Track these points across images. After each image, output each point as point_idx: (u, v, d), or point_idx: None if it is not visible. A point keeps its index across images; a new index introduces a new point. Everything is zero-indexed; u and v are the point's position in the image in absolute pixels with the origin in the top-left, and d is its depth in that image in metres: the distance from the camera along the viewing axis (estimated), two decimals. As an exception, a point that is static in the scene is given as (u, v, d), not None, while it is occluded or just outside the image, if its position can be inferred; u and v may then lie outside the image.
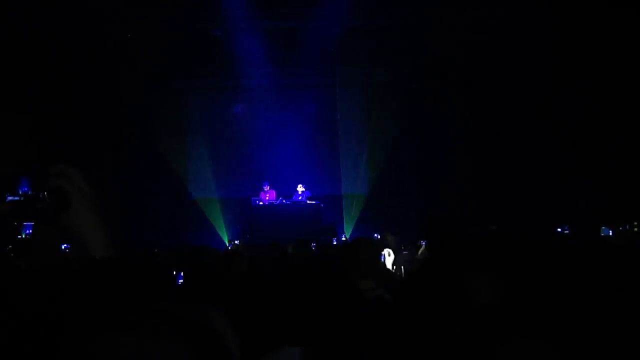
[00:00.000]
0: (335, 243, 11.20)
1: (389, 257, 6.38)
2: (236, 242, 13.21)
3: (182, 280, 3.73)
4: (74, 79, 12.74)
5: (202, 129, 15.32)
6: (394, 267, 6.81)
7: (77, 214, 1.32)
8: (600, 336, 1.59)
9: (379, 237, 9.78)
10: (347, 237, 13.82)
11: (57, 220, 1.32)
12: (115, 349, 0.76)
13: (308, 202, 13.67)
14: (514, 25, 12.50)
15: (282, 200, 13.80)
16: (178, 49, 13.44)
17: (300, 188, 13.81)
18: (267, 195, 13.87)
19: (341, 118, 15.40)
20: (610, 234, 6.85)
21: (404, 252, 8.28)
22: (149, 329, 0.79)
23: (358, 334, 1.79)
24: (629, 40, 11.44)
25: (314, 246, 7.10)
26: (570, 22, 11.94)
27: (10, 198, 1.20)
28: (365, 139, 15.38)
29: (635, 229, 8.37)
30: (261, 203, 13.74)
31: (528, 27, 12.37)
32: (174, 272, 3.87)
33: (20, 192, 1.21)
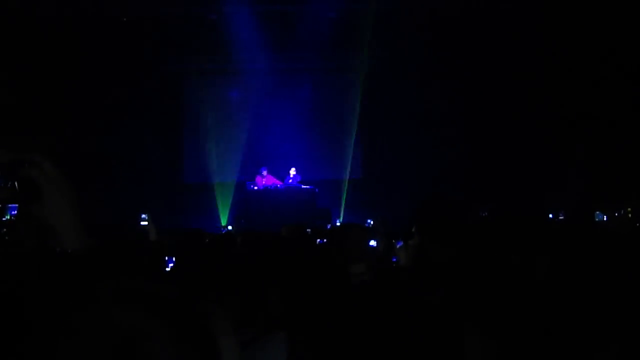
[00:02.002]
0: (329, 228, 11.18)
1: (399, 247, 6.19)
2: (229, 227, 13.19)
3: (172, 265, 3.71)
4: (67, 62, 12.67)
5: (198, 113, 15.27)
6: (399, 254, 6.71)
7: (50, 206, 1.28)
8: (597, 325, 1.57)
9: (372, 222, 9.75)
10: (342, 222, 13.82)
11: (28, 211, 1.30)
12: (102, 323, 0.74)
13: (303, 187, 13.67)
14: (511, 11, 12.48)
15: (276, 185, 13.79)
16: (174, 33, 13.37)
17: (292, 171, 13.83)
18: (264, 180, 13.84)
19: (337, 102, 15.35)
20: (605, 219, 6.86)
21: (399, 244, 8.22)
22: (136, 305, 0.77)
23: (346, 318, 1.77)
24: (626, 27, 11.41)
25: (308, 231, 7.07)
26: (569, 9, 11.94)
27: None
28: (360, 123, 15.36)
29: (630, 215, 8.39)
30: (256, 188, 13.72)
31: (527, 13, 12.35)
32: (166, 258, 3.84)
33: None
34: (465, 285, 1.77)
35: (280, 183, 13.84)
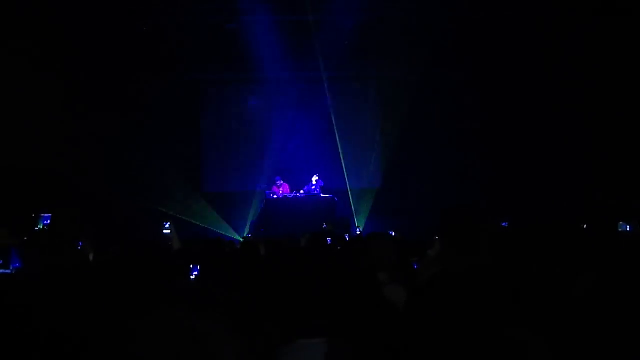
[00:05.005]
0: (347, 238, 11.18)
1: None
2: (249, 235, 13.22)
3: (196, 274, 3.73)
4: (88, 72, 12.79)
5: (216, 122, 15.35)
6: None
7: None
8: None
9: (393, 234, 9.69)
10: (362, 230, 13.79)
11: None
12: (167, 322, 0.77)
13: (322, 195, 13.67)
14: (532, 17, 12.42)
15: (296, 193, 13.82)
16: (193, 42, 13.48)
17: (314, 178, 13.85)
18: (281, 189, 13.91)
19: (356, 111, 15.35)
20: (628, 229, 6.77)
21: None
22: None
23: (374, 326, 1.78)
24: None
25: (329, 240, 7.05)
26: (590, 15, 11.86)
27: None
28: (379, 132, 15.34)
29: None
30: (275, 196, 13.77)
31: (547, 18, 12.28)
32: (190, 266, 3.87)
33: None
34: (487, 294, 1.76)
35: (289, 193, 13.89)
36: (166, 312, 0.80)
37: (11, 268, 4.08)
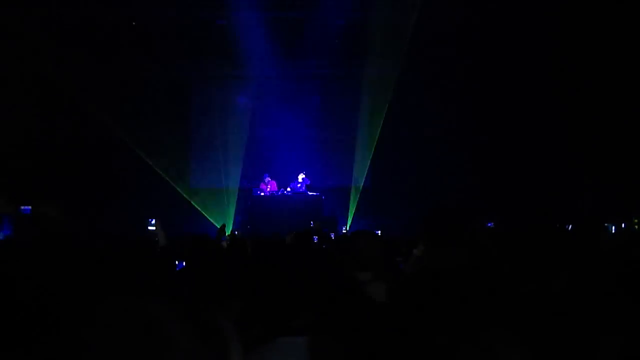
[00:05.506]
0: (332, 236, 11.18)
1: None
2: (236, 232, 13.20)
3: (179, 269, 3.72)
4: (77, 66, 12.72)
5: (206, 119, 15.29)
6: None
7: None
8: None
9: (379, 233, 9.70)
10: (348, 229, 13.81)
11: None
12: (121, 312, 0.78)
13: (309, 193, 13.66)
14: (517, 19, 12.46)
15: (283, 191, 13.81)
16: (183, 38, 13.43)
17: (301, 176, 13.84)
18: (268, 186, 13.89)
19: (344, 110, 15.34)
20: (613, 230, 6.83)
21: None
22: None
23: (355, 325, 1.78)
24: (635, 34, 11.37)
25: (315, 238, 7.04)
26: (576, 16, 11.90)
27: None
28: (367, 131, 15.34)
29: (636, 226, 8.34)
30: (262, 194, 13.75)
31: (533, 21, 12.32)
32: (176, 262, 3.86)
33: None
34: (470, 293, 1.77)
35: (276, 190, 13.89)
36: (119, 300, 0.80)
37: (1, 235, 4.11)
